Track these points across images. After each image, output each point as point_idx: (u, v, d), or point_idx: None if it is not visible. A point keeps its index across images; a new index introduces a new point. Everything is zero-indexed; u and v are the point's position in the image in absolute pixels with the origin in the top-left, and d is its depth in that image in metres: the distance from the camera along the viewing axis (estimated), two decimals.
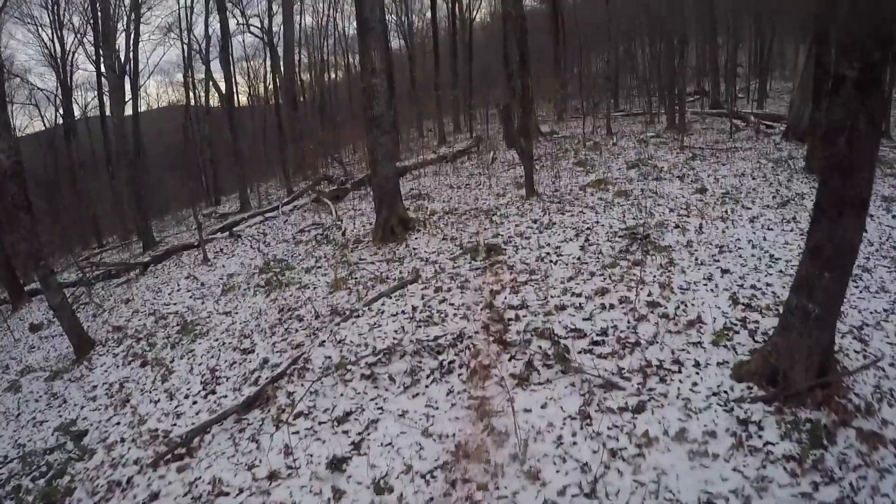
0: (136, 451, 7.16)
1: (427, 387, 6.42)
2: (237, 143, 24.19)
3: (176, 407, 8.02)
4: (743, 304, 7.22)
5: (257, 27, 31.85)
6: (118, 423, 8.18)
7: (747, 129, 20.35)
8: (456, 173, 18.34)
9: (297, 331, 8.97)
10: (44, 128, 29.81)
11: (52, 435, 8.53)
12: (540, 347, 6.57)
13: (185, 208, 28.50)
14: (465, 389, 6.17)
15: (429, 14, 32.26)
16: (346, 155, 26.68)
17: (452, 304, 8.38)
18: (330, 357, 7.62)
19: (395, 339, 7.63)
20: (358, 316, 8.69)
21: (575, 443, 5.14)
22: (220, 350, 9.35)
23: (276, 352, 8.48)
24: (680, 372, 5.91)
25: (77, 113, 28.08)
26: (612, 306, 7.41)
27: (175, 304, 12.97)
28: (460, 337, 7.21)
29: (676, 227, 10.28)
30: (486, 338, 7.00)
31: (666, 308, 7.21)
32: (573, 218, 11.32)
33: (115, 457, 7.19)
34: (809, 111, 16.03)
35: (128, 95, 26.96)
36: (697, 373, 5.87)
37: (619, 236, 10.06)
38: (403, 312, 8.45)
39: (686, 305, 7.26)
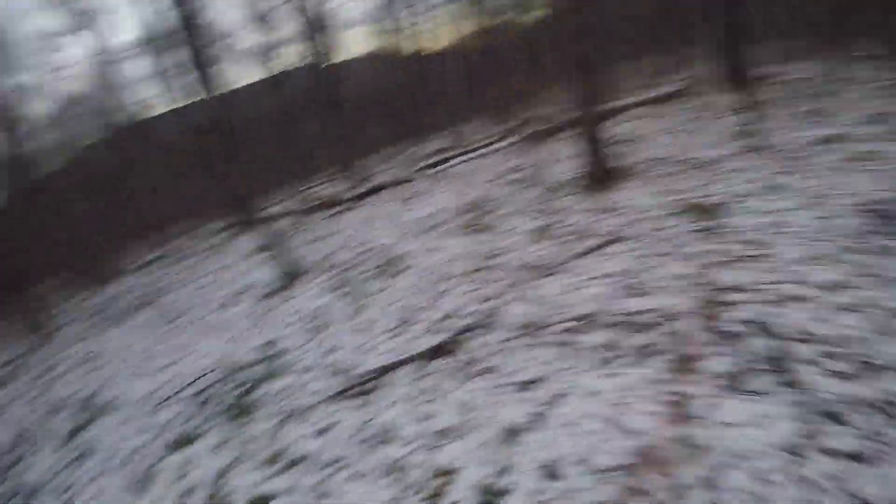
0: (322, 381, 7.58)
1: (625, 368, 5.98)
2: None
3: (365, 343, 8.35)
4: None
5: None
6: (311, 350, 8.75)
7: None
8: (670, 117, 16.91)
9: (493, 282, 8.87)
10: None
11: (254, 352, 9.39)
12: (759, 346, 5.83)
13: (396, 145, 29.51)
14: (666, 379, 5.67)
15: None
16: (555, 95, 25.83)
17: (658, 275, 7.72)
18: (523, 315, 7.39)
19: (594, 306, 7.22)
20: (555, 274, 8.35)
21: (781, 484, 4.45)
22: (413, 292, 9.55)
23: (469, 301, 8.45)
24: None
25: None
26: (852, 308, 6.34)
27: (377, 239, 13.47)
28: (666, 316, 6.62)
29: None
30: (695, 322, 6.36)
31: None
32: (808, 181, 9.87)
33: (303, 382, 7.67)
34: None
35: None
36: None
37: (867, 210, 8.64)
38: (606, 276, 7.98)
39: None
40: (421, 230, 12.75)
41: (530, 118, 21.66)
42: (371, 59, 36.79)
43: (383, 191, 17.84)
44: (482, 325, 7.50)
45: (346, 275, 11.61)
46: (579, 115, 11.79)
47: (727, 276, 7.25)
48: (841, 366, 5.55)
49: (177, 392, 9.10)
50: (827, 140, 12.08)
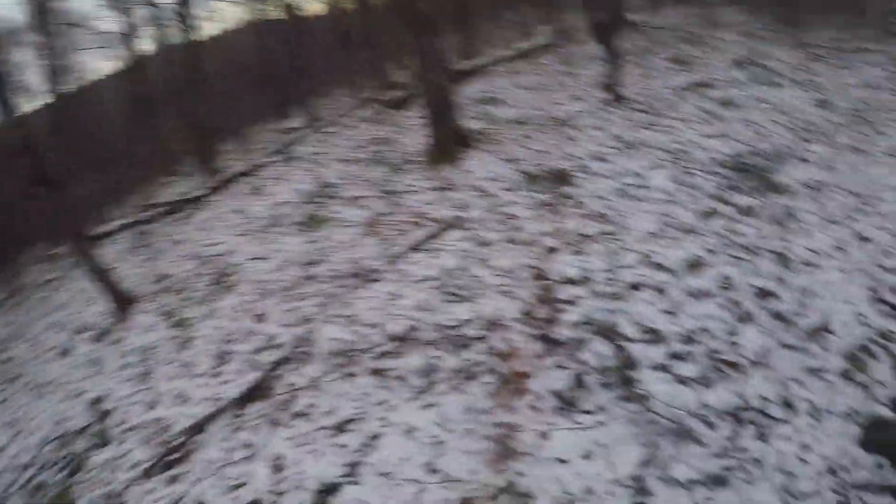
0: (139, 449, 6.52)
1: (443, 395, 4.82)
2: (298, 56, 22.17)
3: (185, 389, 7.20)
4: (888, 304, 5.06)
5: None
6: (137, 402, 7.58)
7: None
8: (534, 71, 15.62)
9: (313, 297, 7.62)
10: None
11: (83, 413, 8.14)
12: (597, 354, 4.75)
13: (256, 125, 27.04)
14: (489, 408, 4.51)
15: None
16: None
17: (494, 268, 6.60)
18: (339, 341, 6.15)
19: (413, 320, 6.04)
20: (378, 280, 7.14)
21: None
22: (235, 317, 8.28)
23: (287, 324, 7.25)
24: (788, 423, 3.99)
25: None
26: (706, 294, 5.38)
27: (219, 243, 11.76)
28: (491, 325, 5.48)
29: (798, 158, 7.87)
30: (526, 329, 5.22)
31: (781, 302, 5.16)
32: (665, 135, 8.92)
33: (124, 451, 6.64)
34: None
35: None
36: (812, 427, 3.94)
37: (723, 166, 7.80)
38: (432, 279, 6.80)
39: (808, 298, 5.17)
40: (261, 228, 11.14)
41: (390, 85, 19.99)
42: (238, 32, 33.72)
43: (235, 182, 15.81)
44: (297, 356, 6.30)
45: (178, 298, 10.07)
46: (424, 81, 10.38)
47: (566, 266, 6.16)
48: (691, 369, 4.54)
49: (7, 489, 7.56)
50: (689, 88, 11.27)
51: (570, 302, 5.52)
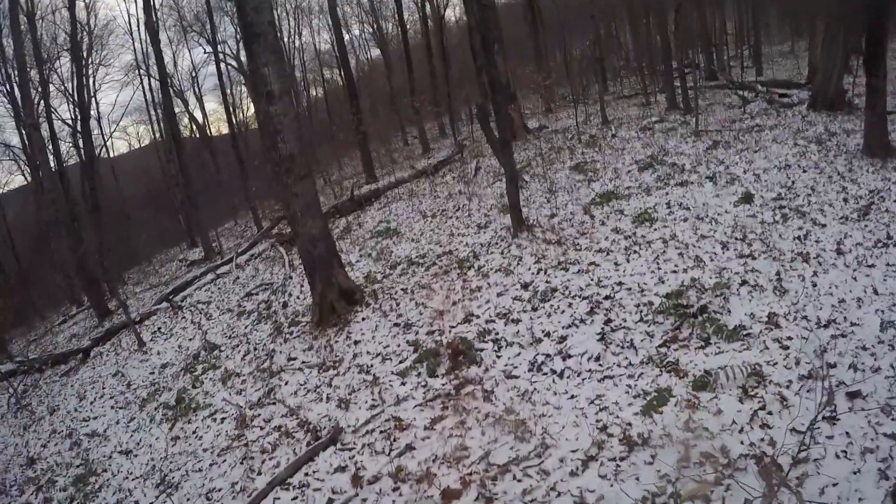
0: None
1: None
2: (189, 186, 19.94)
3: None
4: None
5: (230, 54, 27.29)
6: None
7: (757, 101, 15.52)
8: (434, 193, 13.82)
9: None
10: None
11: None
12: None
13: (160, 255, 24.38)
14: None
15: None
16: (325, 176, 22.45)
17: None
18: None
19: None
20: None
21: None
22: None
23: None
24: None
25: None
26: None
27: (94, 417, 9.03)
28: None
29: (742, 282, 5.90)
30: None
31: None
32: (582, 276, 6.90)
33: None
34: (837, 76, 11.98)
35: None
36: None
37: (658, 312, 5.81)
38: None
39: None
40: (141, 402, 8.54)
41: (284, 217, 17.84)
42: (145, 150, 31.29)
43: (118, 334, 13.04)
44: None
45: (42, 496, 7.24)
46: (296, 232, 8.21)
47: None
48: None
49: None
50: (599, 202, 9.47)
51: None
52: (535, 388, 5.11)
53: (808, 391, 4.13)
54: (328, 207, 14.97)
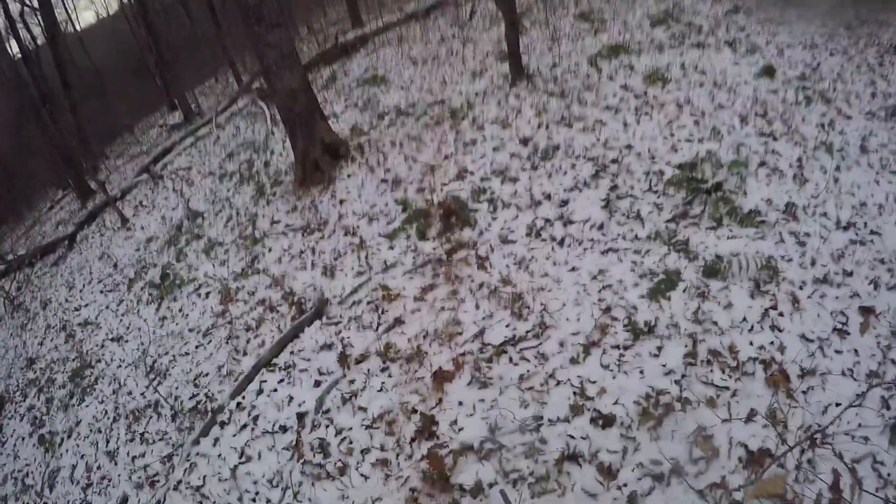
0: None
1: None
2: (159, 44, 17.75)
3: None
4: None
5: None
6: None
7: None
8: (425, 38, 12.44)
9: (154, 441, 4.96)
10: None
11: None
12: None
13: (141, 122, 22.42)
14: None
15: None
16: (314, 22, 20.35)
17: (369, 414, 3.95)
18: None
19: None
20: (224, 423, 4.44)
21: None
22: (95, 442, 5.55)
23: (134, 484, 4.61)
24: None
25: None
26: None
27: (85, 305, 8.60)
28: None
29: (761, 163, 5.41)
30: None
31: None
32: (587, 135, 6.24)
33: None
34: None
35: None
36: None
37: (670, 183, 5.34)
38: (286, 429, 4.15)
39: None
40: (128, 284, 8.03)
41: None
42: (115, 18, 28.12)
43: (101, 214, 12.19)
44: None
45: (43, 398, 6.93)
46: (272, 86, 7.24)
47: (473, 398, 3.61)
48: None
49: None
50: (606, 54, 8.55)
51: (473, 487, 3.06)
52: (533, 256, 4.74)
53: (821, 297, 3.84)
54: (312, 56, 13.56)
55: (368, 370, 4.20)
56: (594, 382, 3.50)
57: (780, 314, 3.76)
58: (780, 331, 3.64)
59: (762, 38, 8.92)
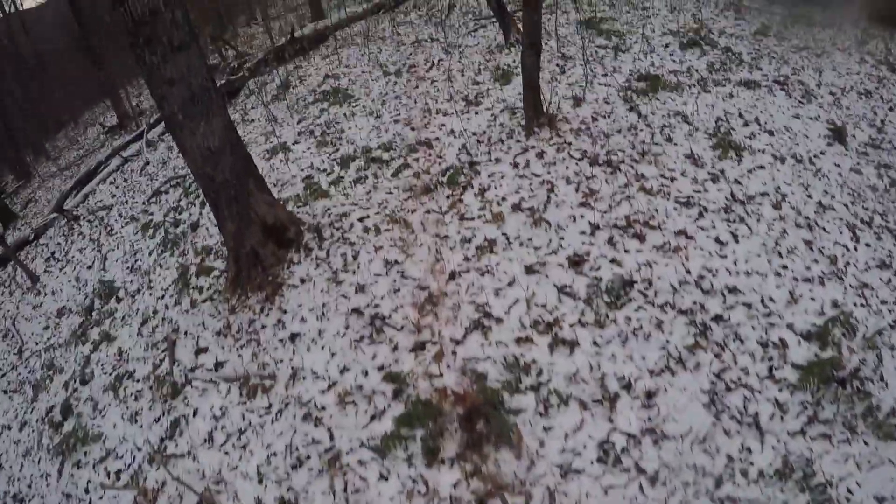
0: None
1: None
2: (89, 34, 14.22)
3: None
4: None
5: None
6: None
7: None
8: (396, 37, 9.81)
9: None
10: None
11: None
12: None
13: (83, 117, 18.97)
14: None
15: None
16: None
17: None
18: None
19: None
20: None
21: None
22: None
23: None
24: None
25: None
26: None
27: None
28: None
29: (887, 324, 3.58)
30: None
31: None
32: (669, 259, 3.98)
33: None
34: None
35: None
36: None
37: (795, 366, 3.37)
38: None
39: None
40: (33, 390, 5.61)
41: (222, 58, 13.26)
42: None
43: (22, 252, 9.25)
44: None
45: None
46: (182, 146, 4.42)
47: None
48: None
49: None
50: (635, 87, 6.03)
51: None
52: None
53: None
54: (264, 53, 10.86)
55: None
56: None
57: None
58: None
59: (809, 75, 7.09)
